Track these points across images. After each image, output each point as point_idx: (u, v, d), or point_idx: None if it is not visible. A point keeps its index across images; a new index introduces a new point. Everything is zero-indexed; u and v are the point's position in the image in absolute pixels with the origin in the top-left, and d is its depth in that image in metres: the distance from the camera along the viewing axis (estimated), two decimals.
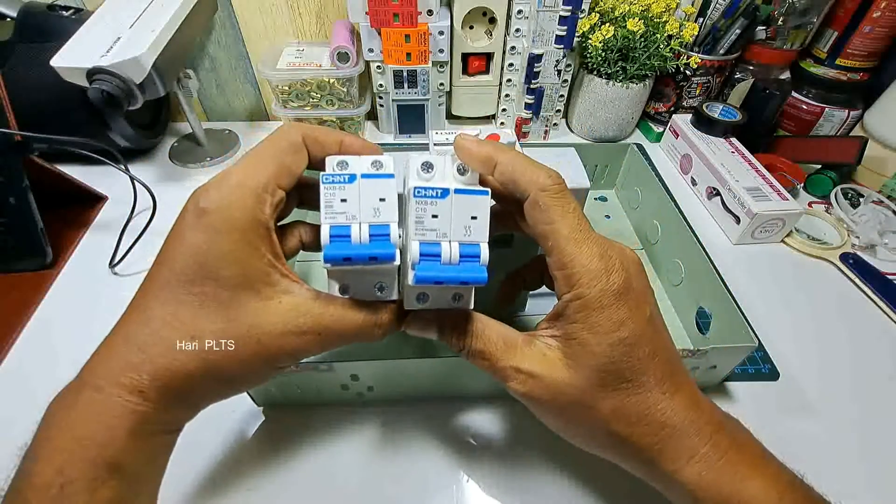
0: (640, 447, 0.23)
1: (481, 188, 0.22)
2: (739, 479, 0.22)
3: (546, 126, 0.65)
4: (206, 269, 0.20)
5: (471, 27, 0.59)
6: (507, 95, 0.63)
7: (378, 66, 0.58)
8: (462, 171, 0.23)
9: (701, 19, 0.58)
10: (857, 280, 0.48)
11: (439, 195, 0.21)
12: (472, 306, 0.24)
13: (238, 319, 0.20)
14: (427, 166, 0.23)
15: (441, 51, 0.57)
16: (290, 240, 0.25)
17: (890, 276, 0.48)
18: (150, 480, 0.22)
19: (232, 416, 0.36)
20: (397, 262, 0.21)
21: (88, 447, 0.19)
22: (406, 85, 0.59)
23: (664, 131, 0.65)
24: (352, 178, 0.22)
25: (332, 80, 0.58)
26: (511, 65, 0.60)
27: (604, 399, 0.22)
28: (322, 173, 0.22)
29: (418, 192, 0.21)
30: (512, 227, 0.26)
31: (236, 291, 0.20)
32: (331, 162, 0.23)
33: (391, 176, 0.22)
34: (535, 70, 0.58)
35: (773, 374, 0.39)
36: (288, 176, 0.22)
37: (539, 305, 0.42)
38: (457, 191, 0.21)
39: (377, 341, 0.24)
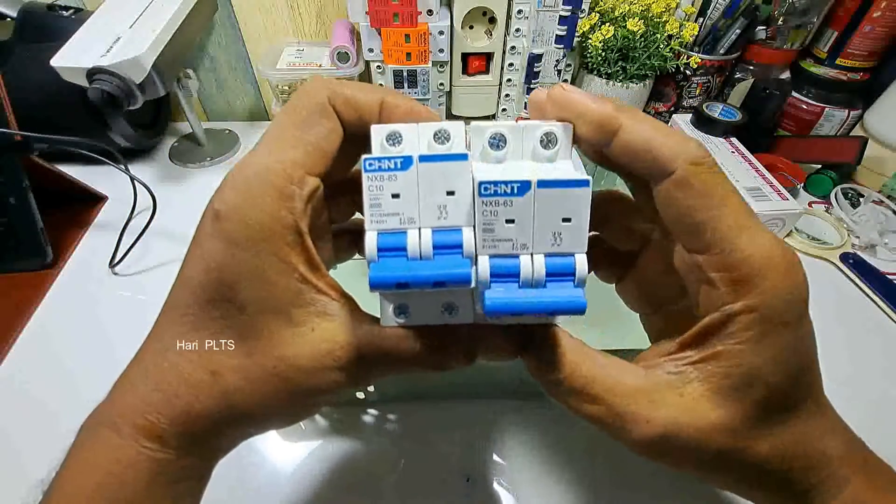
0: (793, 482, 0.18)
1: (579, 177, 0.15)
2: None
3: None
4: (224, 287, 0.16)
5: (471, 27, 0.59)
6: (507, 95, 0.63)
7: (378, 66, 0.58)
8: (548, 142, 0.16)
9: (701, 19, 0.58)
10: (857, 280, 0.48)
11: (516, 191, 0.15)
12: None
13: (260, 352, 0.16)
14: (497, 141, 0.16)
15: (441, 51, 0.57)
16: (339, 243, 0.20)
17: (890, 276, 0.48)
18: None
19: None
20: (473, 284, 0.15)
21: (103, 495, 0.16)
22: (406, 85, 0.59)
23: None
24: (406, 161, 0.15)
25: None
26: (511, 65, 0.60)
27: (762, 438, 0.17)
28: (364, 157, 0.15)
29: (486, 188, 0.15)
30: (630, 222, 0.20)
31: (257, 317, 0.16)
32: (377, 135, 0.16)
33: (464, 157, 0.15)
34: (535, 70, 0.58)
35: None
36: (319, 156, 0.16)
37: None
38: (541, 183, 0.15)
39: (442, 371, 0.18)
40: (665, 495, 0.32)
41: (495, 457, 0.34)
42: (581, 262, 0.15)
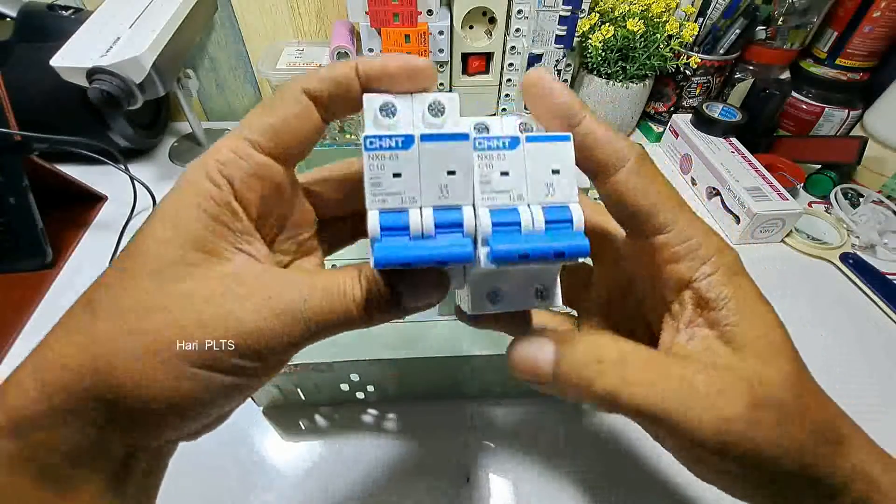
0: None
1: (560, 133, 0.16)
2: None
3: None
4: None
5: (471, 27, 0.59)
6: (506, 95, 0.63)
7: None
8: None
9: (701, 19, 0.58)
10: (856, 280, 0.48)
11: (507, 145, 0.16)
12: (559, 303, 0.18)
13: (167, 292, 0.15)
14: (480, 128, 0.17)
15: (441, 51, 0.57)
16: (338, 233, 0.21)
17: (890, 276, 0.48)
18: None
19: (231, 416, 0.36)
20: (482, 261, 0.16)
21: None
22: None
23: (664, 131, 0.65)
24: (408, 140, 0.15)
25: None
26: (511, 65, 0.60)
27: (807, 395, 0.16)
28: (365, 136, 0.15)
29: (479, 143, 0.15)
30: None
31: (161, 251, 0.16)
32: (370, 105, 0.16)
33: (465, 137, 0.15)
34: None
35: None
36: (271, 135, 0.17)
37: None
38: (529, 138, 0.16)
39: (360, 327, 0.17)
40: (665, 495, 0.32)
41: (495, 457, 0.34)
42: (577, 210, 0.16)
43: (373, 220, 0.15)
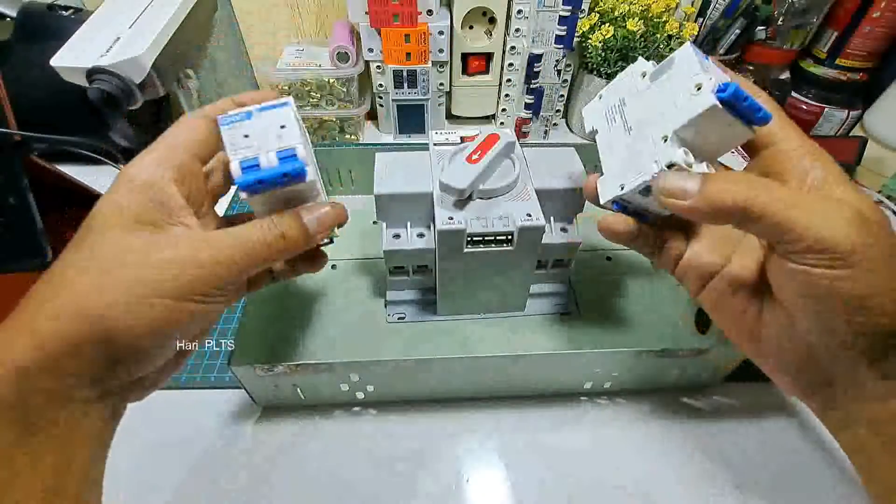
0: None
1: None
2: None
3: (546, 126, 0.65)
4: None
5: (470, 27, 0.59)
6: (506, 95, 0.63)
7: (378, 66, 0.58)
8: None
9: (701, 19, 0.58)
10: None
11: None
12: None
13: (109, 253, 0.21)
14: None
15: (441, 51, 0.57)
16: (216, 187, 0.27)
17: None
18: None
19: (231, 416, 0.36)
20: (310, 177, 0.23)
21: None
22: (406, 85, 0.59)
23: None
24: (248, 114, 0.23)
25: (331, 80, 0.58)
26: (511, 65, 0.60)
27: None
28: (219, 117, 0.23)
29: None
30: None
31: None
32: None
33: (286, 104, 0.24)
34: (534, 70, 0.58)
35: None
36: (181, 151, 0.23)
37: (534, 306, 0.42)
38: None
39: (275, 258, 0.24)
40: (664, 494, 0.33)
41: (495, 459, 0.34)
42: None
43: (234, 165, 0.22)
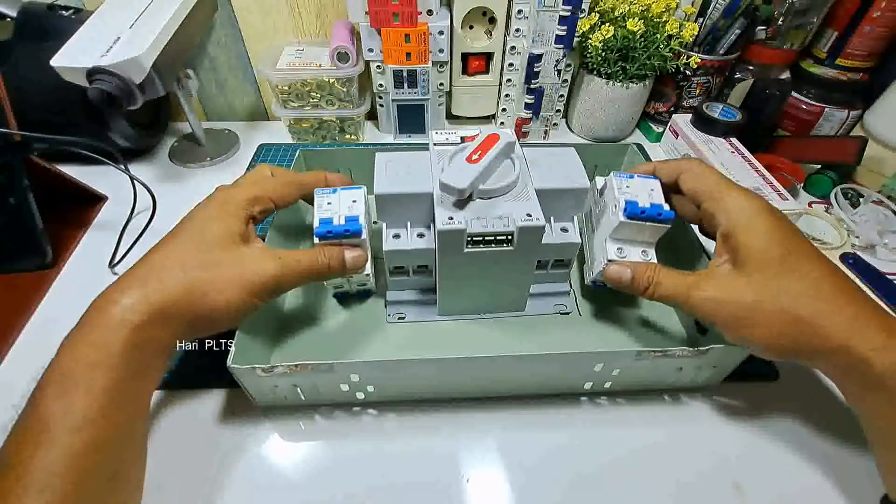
0: (829, 330, 0.27)
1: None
2: None
3: (546, 126, 0.65)
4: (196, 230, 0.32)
5: (471, 27, 0.59)
6: (507, 95, 0.63)
7: (378, 66, 0.58)
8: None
9: (701, 19, 0.58)
10: (857, 280, 0.48)
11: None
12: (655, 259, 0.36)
13: (219, 261, 0.31)
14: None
15: (441, 51, 0.57)
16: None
17: (890, 276, 0.48)
18: (143, 380, 0.29)
19: (231, 416, 0.36)
20: (364, 236, 0.34)
21: (88, 354, 0.26)
22: (406, 85, 0.59)
23: (664, 131, 0.65)
24: (334, 190, 0.37)
25: (331, 80, 0.58)
26: (511, 65, 0.60)
27: (782, 286, 0.29)
28: (316, 189, 0.37)
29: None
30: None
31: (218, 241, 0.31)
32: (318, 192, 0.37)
33: (360, 188, 0.37)
34: (535, 70, 0.58)
35: (773, 374, 0.39)
36: (264, 202, 0.35)
37: (534, 307, 0.42)
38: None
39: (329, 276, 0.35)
40: (664, 494, 0.33)
41: (495, 459, 0.34)
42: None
43: (317, 221, 0.35)
